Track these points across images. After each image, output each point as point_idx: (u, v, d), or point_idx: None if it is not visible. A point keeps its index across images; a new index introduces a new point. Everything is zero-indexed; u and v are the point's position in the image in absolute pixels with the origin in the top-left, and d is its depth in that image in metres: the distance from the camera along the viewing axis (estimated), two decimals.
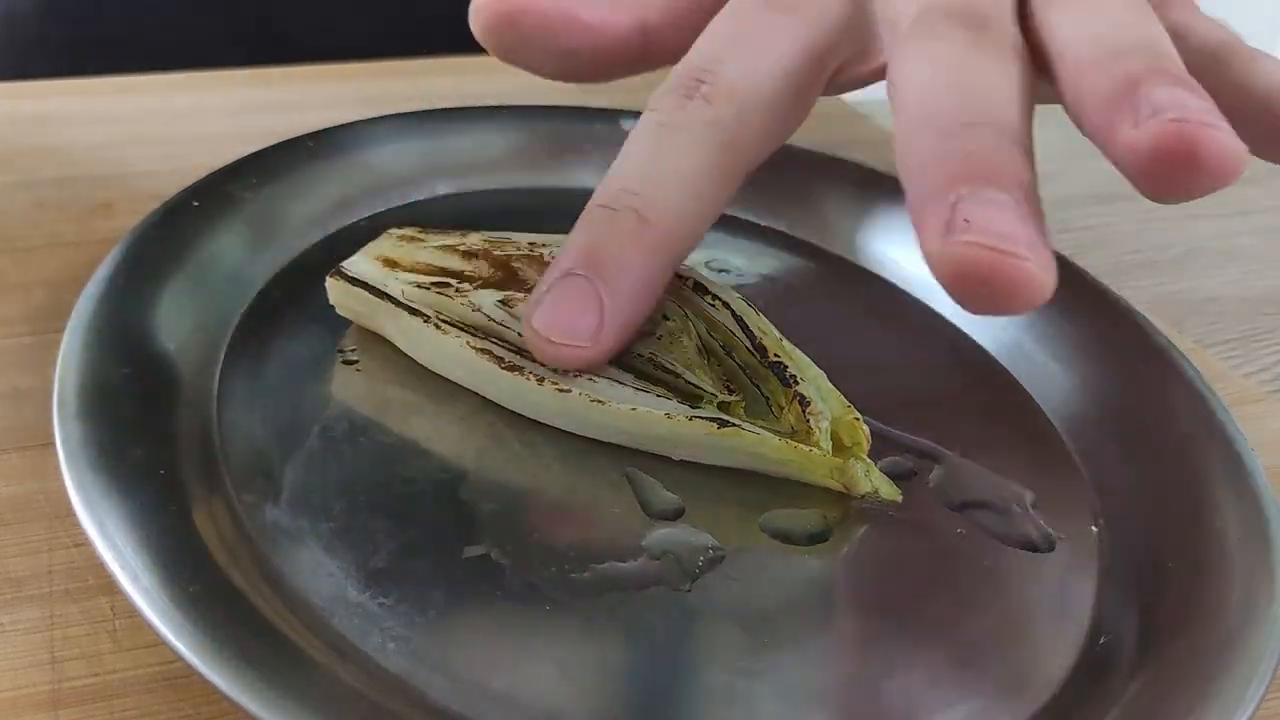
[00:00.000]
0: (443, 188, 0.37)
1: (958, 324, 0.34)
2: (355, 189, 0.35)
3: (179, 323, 0.29)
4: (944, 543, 0.27)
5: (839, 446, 0.27)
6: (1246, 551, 0.26)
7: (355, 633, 0.23)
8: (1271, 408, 0.35)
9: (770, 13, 0.29)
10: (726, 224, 0.37)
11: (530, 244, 0.31)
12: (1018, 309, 0.22)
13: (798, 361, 0.29)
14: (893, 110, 0.26)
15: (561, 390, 0.27)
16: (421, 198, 0.36)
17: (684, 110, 0.28)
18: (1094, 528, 0.28)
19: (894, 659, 0.24)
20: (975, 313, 0.23)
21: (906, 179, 0.24)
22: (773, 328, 0.30)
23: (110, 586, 0.23)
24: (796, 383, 0.28)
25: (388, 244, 0.31)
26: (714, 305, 0.30)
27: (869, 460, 0.27)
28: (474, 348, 0.28)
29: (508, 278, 0.30)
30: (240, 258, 0.32)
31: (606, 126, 0.39)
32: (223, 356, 0.29)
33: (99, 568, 0.22)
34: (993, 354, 0.33)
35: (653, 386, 0.28)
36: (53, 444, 0.24)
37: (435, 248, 0.31)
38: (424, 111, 0.38)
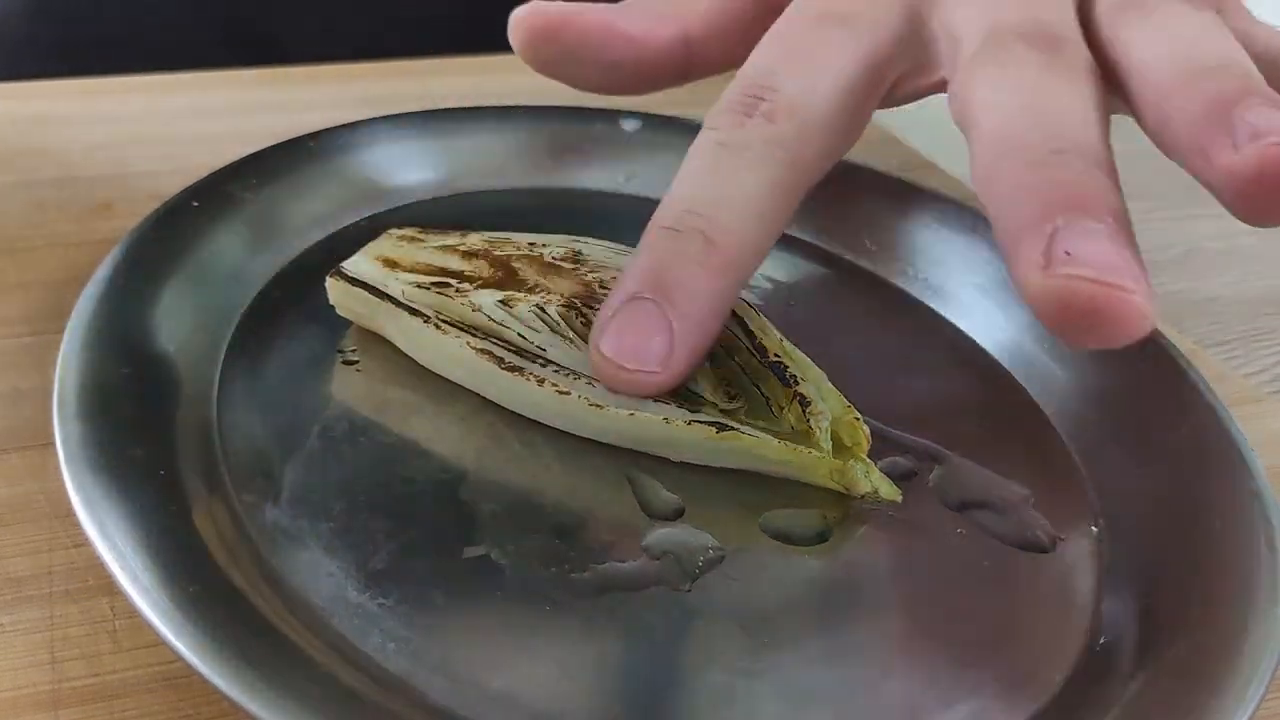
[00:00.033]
0: (443, 188, 0.37)
1: (958, 324, 0.34)
2: (355, 189, 0.35)
3: (179, 323, 0.29)
4: (944, 543, 0.27)
5: (839, 446, 0.27)
6: (1246, 552, 0.26)
7: (355, 633, 0.23)
8: (1271, 408, 0.35)
9: (826, 27, 0.29)
10: None
11: (530, 244, 0.31)
12: (1120, 342, 0.22)
13: (798, 361, 0.29)
14: (967, 134, 0.26)
15: (561, 392, 0.27)
16: (421, 198, 0.36)
17: (744, 128, 0.27)
18: (1094, 528, 0.28)
19: (894, 659, 0.24)
20: (1073, 345, 0.23)
21: (994, 208, 0.24)
22: (773, 328, 0.30)
23: (110, 586, 0.23)
24: (797, 383, 0.28)
25: (388, 244, 0.31)
26: None
27: (869, 460, 0.27)
28: (474, 348, 0.28)
29: (508, 278, 0.30)
30: (240, 258, 0.32)
31: (606, 126, 0.39)
32: (223, 356, 0.29)
33: (99, 568, 0.22)
34: (993, 354, 0.33)
35: None
36: (53, 444, 0.24)
37: (435, 248, 0.31)
38: (424, 112, 0.38)
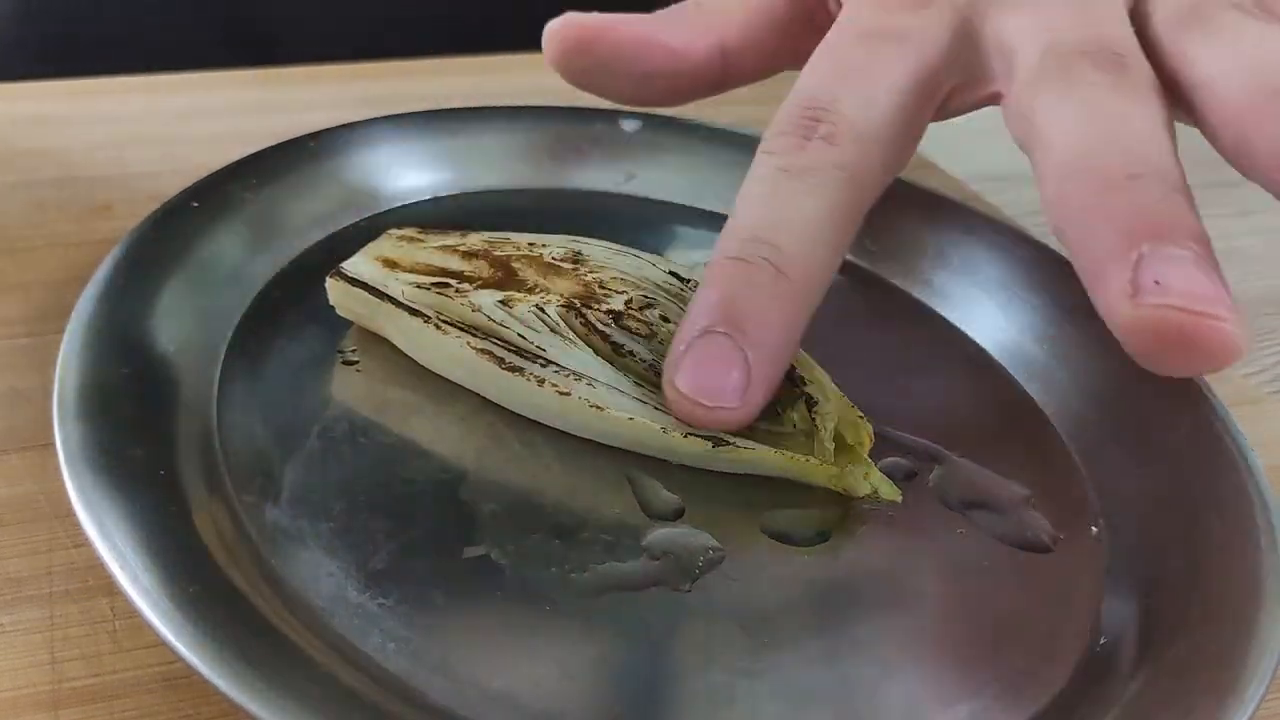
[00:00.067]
0: (443, 188, 0.37)
1: (958, 324, 0.34)
2: (355, 189, 0.35)
3: (179, 323, 0.29)
4: (944, 543, 0.27)
5: (842, 445, 0.27)
6: (1246, 552, 0.26)
7: (355, 633, 0.23)
8: (1271, 408, 0.35)
9: (876, 43, 0.28)
10: (724, 224, 0.37)
11: (530, 244, 0.31)
12: (1209, 370, 0.22)
13: (803, 362, 0.29)
14: (1031, 153, 0.26)
15: (561, 392, 0.27)
16: (421, 198, 0.36)
17: (805, 151, 0.27)
18: (1094, 528, 0.28)
19: (894, 659, 0.24)
20: (1162, 373, 0.23)
21: (1071, 234, 0.23)
22: None
23: (110, 587, 0.23)
24: (804, 384, 0.28)
25: (387, 244, 0.31)
26: None
27: (869, 461, 0.27)
28: (474, 348, 0.28)
29: (507, 278, 0.30)
30: (240, 258, 0.32)
31: (606, 126, 0.39)
32: (223, 356, 0.29)
33: (99, 568, 0.22)
34: (993, 354, 0.33)
35: (653, 393, 0.28)
36: (52, 444, 0.24)
37: (435, 248, 0.31)
38: (424, 112, 0.38)
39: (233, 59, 0.47)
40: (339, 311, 0.30)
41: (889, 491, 0.27)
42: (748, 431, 0.27)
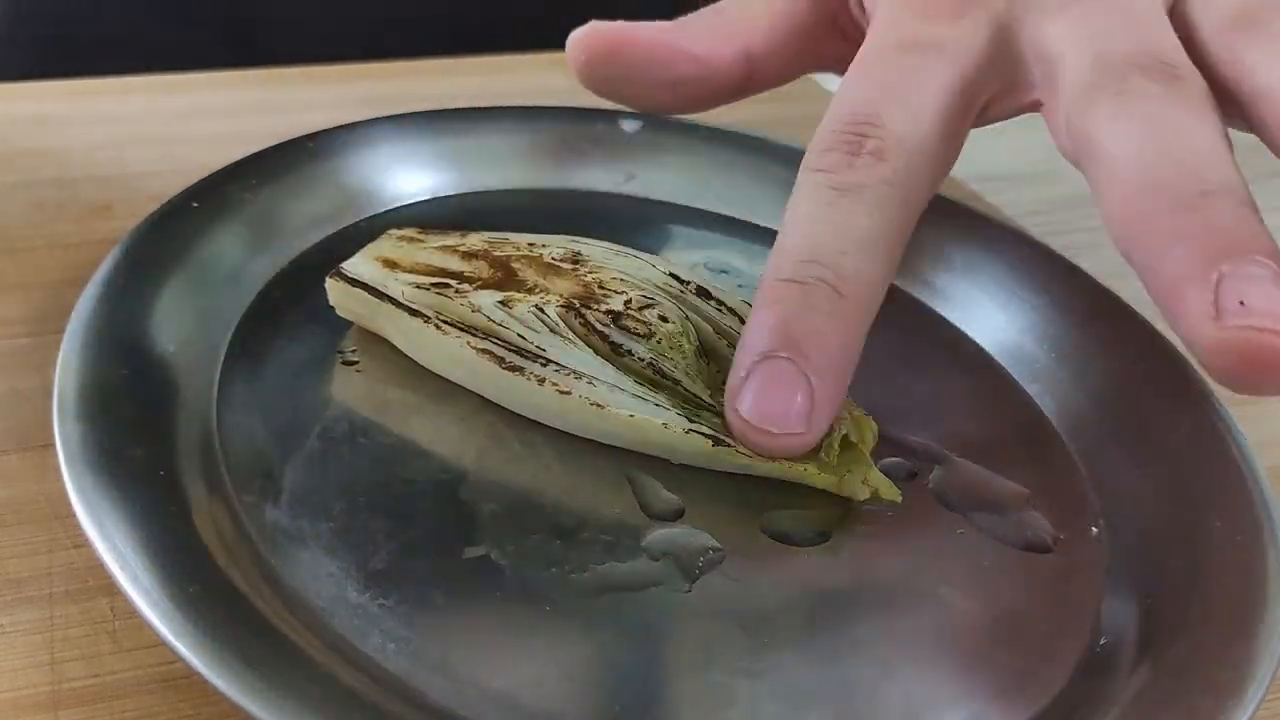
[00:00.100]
0: (443, 188, 0.37)
1: (958, 324, 0.34)
2: (355, 189, 0.35)
3: (179, 323, 0.29)
4: (944, 543, 0.27)
5: (845, 443, 0.27)
6: (1246, 551, 0.26)
7: (355, 633, 0.23)
8: (1271, 408, 0.35)
9: (914, 55, 0.28)
10: (724, 224, 0.37)
11: (530, 244, 0.31)
12: None
13: None
14: (1087, 169, 0.26)
15: (561, 392, 0.27)
16: (421, 198, 0.36)
17: (854, 169, 0.26)
18: (1094, 528, 0.28)
19: (894, 659, 0.24)
20: (1246, 393, 0.22)
21: (1143, 255, 0.23)
22: None
23: (110, 587, 0.23)
24: None
25: (387, 245, 0.31)
26: (720, 310, 0.30)
27: (869, 461, 0.27)
28: (474, 348, 0.28)
29: (507, 278, 0.30)
30: (240, 258, 0.32)
31: (606, 126, 0.39)
32: (223, 356, 0.29)
33: (99, 569, 0.22)
34: (993, 354, 0.33)
35: (653, 392, 0.28)
36: (52, 445, 0.24)
37: (435, 248, 0.31)
38: (424, 112, 0.38)
39: (233, 59, 0.47)
40: (339, 312, 0.30)
41: (889, 492, 0.27)
42: None
